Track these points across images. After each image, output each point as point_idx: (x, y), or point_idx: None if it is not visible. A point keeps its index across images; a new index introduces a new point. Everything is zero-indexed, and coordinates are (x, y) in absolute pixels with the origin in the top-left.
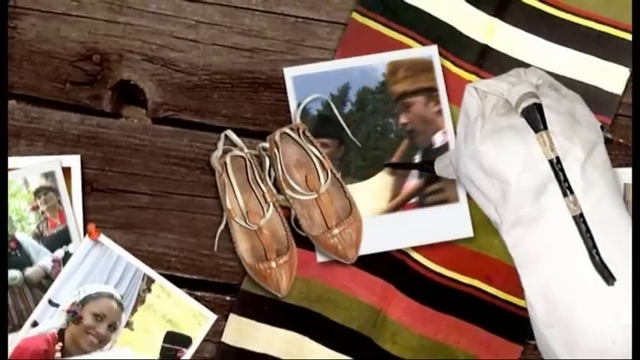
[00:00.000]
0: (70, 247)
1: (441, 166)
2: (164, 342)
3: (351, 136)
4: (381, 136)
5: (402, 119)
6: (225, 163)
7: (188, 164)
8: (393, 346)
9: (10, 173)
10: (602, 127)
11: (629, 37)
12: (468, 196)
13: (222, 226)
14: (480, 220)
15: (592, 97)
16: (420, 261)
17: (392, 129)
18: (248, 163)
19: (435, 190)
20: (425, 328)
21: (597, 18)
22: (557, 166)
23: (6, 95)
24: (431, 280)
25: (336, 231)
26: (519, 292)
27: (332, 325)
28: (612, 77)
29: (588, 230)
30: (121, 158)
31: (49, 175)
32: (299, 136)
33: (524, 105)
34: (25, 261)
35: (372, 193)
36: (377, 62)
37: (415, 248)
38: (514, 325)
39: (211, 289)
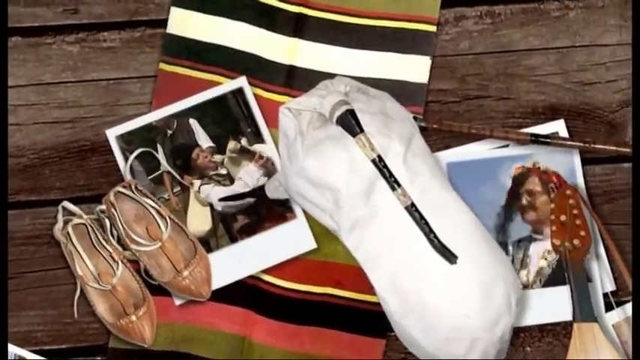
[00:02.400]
0: None
1: (271, 189)
2: None
3: (176, 176)
4: None
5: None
6: (69, 233)
7: (34, 242)
8: None
9: None
10: (415, 118)
11: (423, 27)
12: (304, 211)
13: (77, 293)
14: (320, 231)
15: (400, 91)
16: (272, 282)
17: None
18: (90, 228)
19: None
20: (290, 343)
21: (389, 16)
22: (380, 164)
23: (6, 92)
24: (286, 297)
25: (185, 273)
26: (371, 290)
27: None
28: (415, 68)
29: (422, 217)
30: None
31: None
32: (132, 191)
33: (337, 114)
34: None
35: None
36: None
37: (265, 271)
38: (372, 321)
39: (82, 354)
